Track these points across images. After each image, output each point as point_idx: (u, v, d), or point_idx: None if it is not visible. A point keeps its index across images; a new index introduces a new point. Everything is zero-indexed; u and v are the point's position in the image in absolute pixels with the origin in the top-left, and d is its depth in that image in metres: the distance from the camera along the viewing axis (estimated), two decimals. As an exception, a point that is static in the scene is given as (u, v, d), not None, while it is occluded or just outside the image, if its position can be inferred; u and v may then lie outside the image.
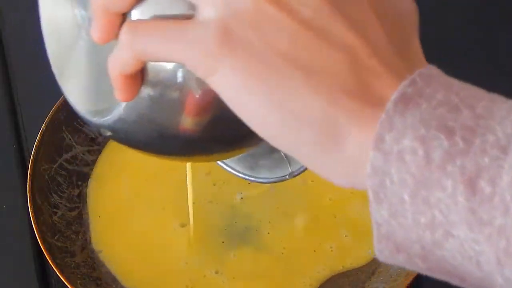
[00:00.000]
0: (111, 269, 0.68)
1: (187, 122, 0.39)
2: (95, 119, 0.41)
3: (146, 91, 0.38)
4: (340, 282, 0.67)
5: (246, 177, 0.54)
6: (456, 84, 0.35)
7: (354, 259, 0.68)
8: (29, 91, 0.78)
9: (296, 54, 0.35)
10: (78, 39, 0.41)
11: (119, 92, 0.38)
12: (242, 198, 0.70)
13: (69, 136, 0.72)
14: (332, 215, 0.69)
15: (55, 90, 0.74)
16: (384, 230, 0.35)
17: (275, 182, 0.54)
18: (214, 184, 0.70)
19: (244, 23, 0.35)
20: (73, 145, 0.72)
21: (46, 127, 0.70)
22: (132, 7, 0.37)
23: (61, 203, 0.70)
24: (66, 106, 0.71)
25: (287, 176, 0.54)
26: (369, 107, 0.34)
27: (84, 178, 0.71)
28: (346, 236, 0.68)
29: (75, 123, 0.72)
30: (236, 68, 0.35)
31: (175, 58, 0.36)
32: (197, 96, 0.38)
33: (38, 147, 0.69)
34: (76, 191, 0.71)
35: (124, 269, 0.68)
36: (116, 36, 0.37)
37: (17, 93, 0.78)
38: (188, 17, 0.36)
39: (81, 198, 0.71)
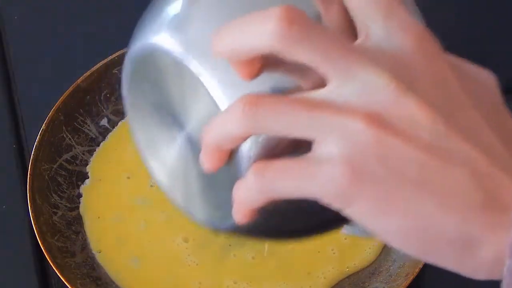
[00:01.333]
0: (109, 271, 0.67)
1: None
2: (213, 225, 0.43)
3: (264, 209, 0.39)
4: (340, 283, 0.67)
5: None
6: None
7: (358, 261, 0.68)
8: (29, 91, 0.78)
9: (424, 180, 0.36)
10: (187, 161, 0.42)
11: (241, 219, 0.39)
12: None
13: (69, 136, 0.72)
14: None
15: (55, 91, 0.74)
16: None
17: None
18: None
19: (369, 159, 0.36)
20: (73, 145, 0.72)
21: (46, 127, 0.70)
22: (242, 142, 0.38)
23: (61, 203, 0.70)
24: (66, 106, 0.71)
25: None
26: (498, 214, 0.36)
27: (84, 178, 0.71)
28: (345, 239, 0.68)
29: (75, 123, 0.72)
30: (369, 200, 0.36)
31: (308, 195, 0.37)
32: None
33: (38, 147, 0.69)
34: (76, 191, 0.71)
35: (122, 271, 0.67)
36: (226, 161, 0.39)
37: (17, 93, 0.78)
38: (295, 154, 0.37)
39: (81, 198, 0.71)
